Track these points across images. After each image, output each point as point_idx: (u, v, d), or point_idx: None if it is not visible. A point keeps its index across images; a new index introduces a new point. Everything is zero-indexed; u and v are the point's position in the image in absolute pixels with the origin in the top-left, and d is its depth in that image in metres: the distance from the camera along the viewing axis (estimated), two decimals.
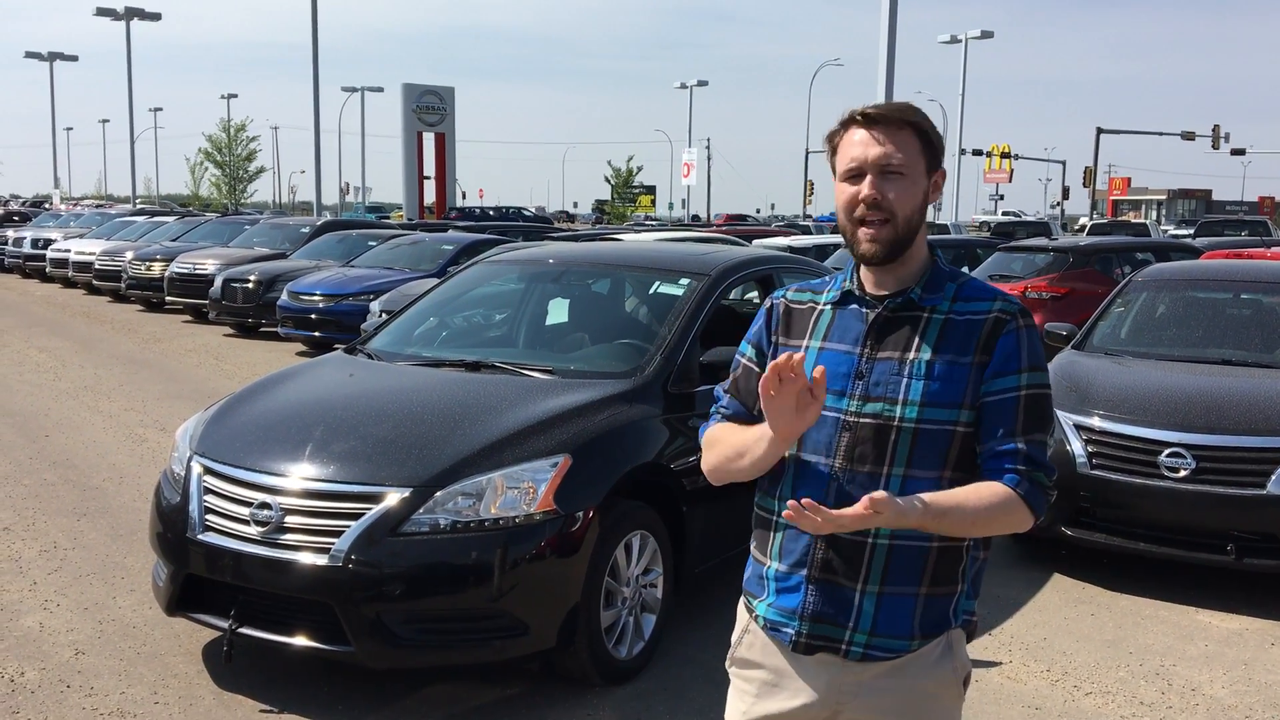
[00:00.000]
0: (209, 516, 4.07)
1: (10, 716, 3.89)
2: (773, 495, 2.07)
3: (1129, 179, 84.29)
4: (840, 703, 2.04)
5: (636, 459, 4.33)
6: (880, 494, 1.77)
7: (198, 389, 10.51)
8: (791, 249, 14.38)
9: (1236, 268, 8.12)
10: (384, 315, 10.07)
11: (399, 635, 3.82)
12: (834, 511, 1.77)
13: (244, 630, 3.95)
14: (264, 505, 3.95)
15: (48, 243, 23.53)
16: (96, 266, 19.85)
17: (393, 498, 3.85)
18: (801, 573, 2.01)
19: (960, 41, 48.64)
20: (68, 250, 21.76)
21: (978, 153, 56.42)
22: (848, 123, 2.00)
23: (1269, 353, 6.36)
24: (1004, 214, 59.23)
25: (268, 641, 3.97)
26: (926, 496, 1.87)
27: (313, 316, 13.10)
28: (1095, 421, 5.58)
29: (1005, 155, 56.12)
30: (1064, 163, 61.45)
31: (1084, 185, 54.04)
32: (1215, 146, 52.33)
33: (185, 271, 16.74)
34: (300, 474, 3.99)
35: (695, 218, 61.95)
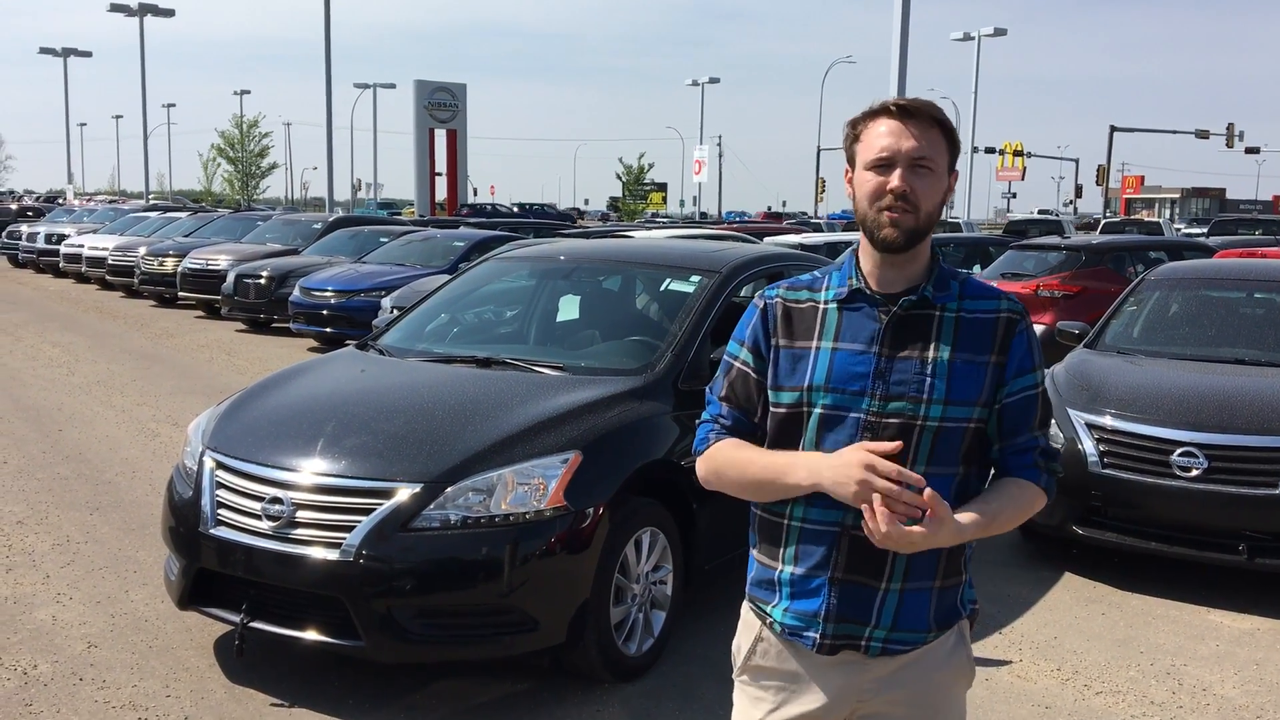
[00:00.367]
0: (221, 511, 4.09)
1: (23, 709, 3.92)
2: (784, 500, 2.04)
3: (1142, 177, 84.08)
4: (860, 699, 2.04)
5: (647, 456, 4.34)
6: (944, 510, 1.84)
7: (210, 384, 10.55)
8: (803, 246, 14.37)
9: (1250, 267, 8.08)
10: (395, 311, 10.09)
11: (409, 630, 3.83)
12: (907, 529, 1.83)
13: (255, 624, 3.96)
14: (276, 500, 3.96)
15: (61, 238, 23.57)
16: (109, 262, 19.92)
17: (404, 493, 3.86)
18: (823, 575, 1.99)
19: (973, 39, 48.41)
20: (81, 246, 21.83)
21: (990, 150, 56.24)
22: (878, 112, 1.99)
23: None
24: (1038, 211, 59.19)
25: (279, 636, 3.99)
26: (976, 510, 1.93)
27: (324, 312, 13.15)
28: (1107, 420, 5.56)
29: (1018, 153, 55.94)
30: (1077, 160, 61.42)
31: (1097, 183, 53.81)
32: (1229, 145, 52.08)
33: (198, 267, 16.80)
34: (312, 469, 4.01)
35: (704, 215, 61.89)
